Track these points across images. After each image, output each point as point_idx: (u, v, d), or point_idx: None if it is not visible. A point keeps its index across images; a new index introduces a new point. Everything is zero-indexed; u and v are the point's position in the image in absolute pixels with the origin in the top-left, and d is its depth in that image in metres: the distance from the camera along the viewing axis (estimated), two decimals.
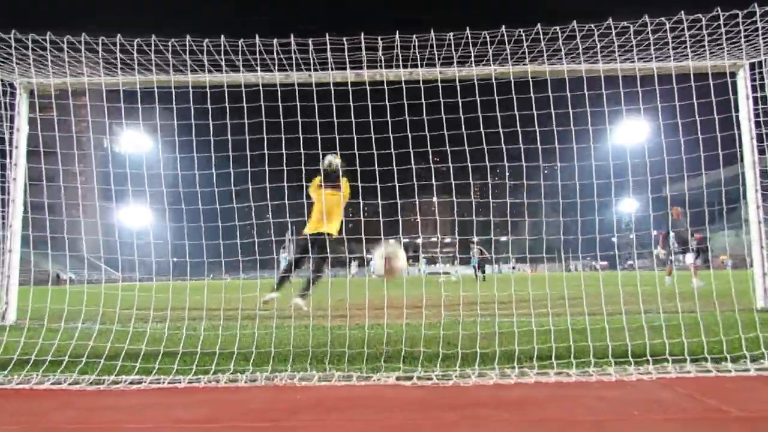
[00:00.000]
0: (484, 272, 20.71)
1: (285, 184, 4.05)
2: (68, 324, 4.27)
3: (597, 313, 4.32)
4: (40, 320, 4.63)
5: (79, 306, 4.15)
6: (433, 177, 3.90)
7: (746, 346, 2.95)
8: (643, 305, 3.60)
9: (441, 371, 2.65)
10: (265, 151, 3.96)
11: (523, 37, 3.81)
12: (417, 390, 2.41)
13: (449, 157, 3.89)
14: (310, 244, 5.65)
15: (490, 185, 3.84)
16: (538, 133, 3.83)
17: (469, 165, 4.03)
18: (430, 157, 3.95)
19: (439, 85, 4.04)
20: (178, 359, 3.04)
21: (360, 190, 4.06)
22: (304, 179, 4.18)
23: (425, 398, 2.30)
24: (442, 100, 3.92)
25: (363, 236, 4.48)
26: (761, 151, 5.04)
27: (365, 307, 5.12)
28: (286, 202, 4.09)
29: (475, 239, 21.01)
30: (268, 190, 3.90)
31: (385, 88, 4.12)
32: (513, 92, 4.01)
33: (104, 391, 2.51)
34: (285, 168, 3.93)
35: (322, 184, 5.79)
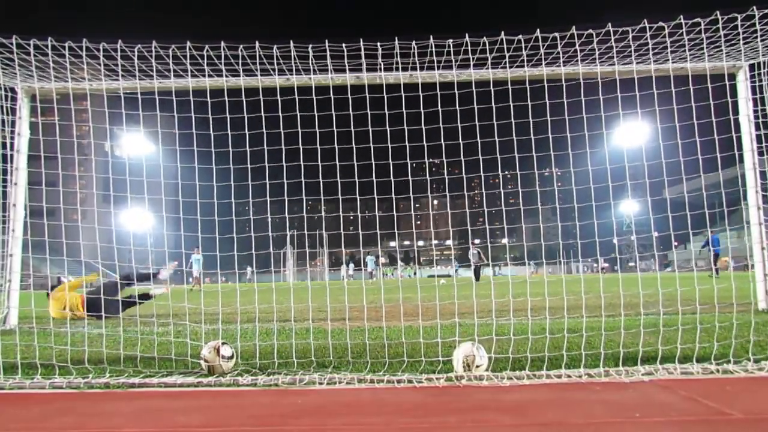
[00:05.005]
0: (479, 275, 20.68)
1: (286, 197, 4.07)
2: (69, 328, 4.27)
3: (597, 315, 4.31)
4: (41, 324, 4.63)
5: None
6: (447, 186, 3.89)
7: (748, 348, 2.95)
8: (643, 308, 3.59)
9: (442, 375, 2.64)
10: (263, 157, 3.97)
11: (522, 42, 3.82)
12: (418, 394, 2.41)
13: (444, 165, 3.90)
14: None
15: (501, 192, 3.84)
16: (550, 139, 3.85)
17: (464, 175, 4.04)
18: (426, 161, 3.96)
19: (438, 91, 4.05)
20: (179, 364, 3.04)
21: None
22: (303, 188, 4.18)
23: (426, 402, 2.29)
24: (440, 108, 3.92)
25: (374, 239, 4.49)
26: (761, 153, 5.04)
27: (363, 311, 5.11)
28: (286, 210, 4.11)
29: (477, 240, 21.04)
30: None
31: (384, 94, 4.13)
32: (528, 97, 4.00)
33: (104, 396, 2.51)
34: (286, 181, 3.96)
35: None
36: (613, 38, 3.78)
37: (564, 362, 2.78)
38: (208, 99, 4.11)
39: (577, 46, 3.84)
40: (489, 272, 21.27)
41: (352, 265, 35.93)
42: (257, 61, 3.98)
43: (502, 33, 3.76)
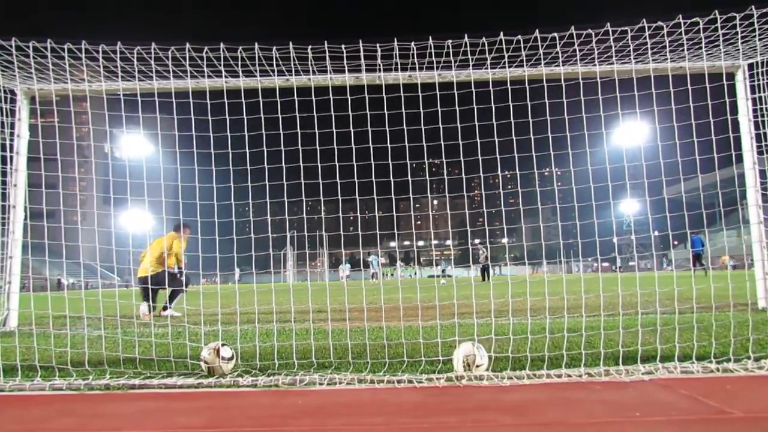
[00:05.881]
0: (487, 274, 20.73)
1: (285, 198, 4.07)
2: (69, 330, 4.28)
3: (597, 314, 4.31)
4: (41, 326, 4.63)
5: (80, 312, 4.15)
6: (447, 186, 3.89)
7: (748, 347, 2.95)
8: (642, 307, 3.60)
9: (442, 374, 2.64)
10: (265, 160, 3.97)
11: (521, 42, 3.83)
12: (418, 394, 2.41)
13: (444, 165, 3.90)
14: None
15: (500, 193, 3.86)
16: (550, 139, 3.85)
17: (463, 176, 4.03)
18: (426, 160, 3.96)
19: (437, 92, 4.05)
20: (179, 366, 3.04)
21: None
22: (303, 189, 4.18)
23: (426, 402, 2.29)
24: (439, 109, 3.93)
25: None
26: (761, 152, 5.04)
27: (364, 310, 5.11)
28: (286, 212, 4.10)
29: (477, 240, 21.06)
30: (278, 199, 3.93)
31: (383, 95, 4.13)
32: (527, 97, 3.99)
33: (104, 398, 2.51)
34: (285, 182, 3.96)
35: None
36: (611, 38, 3.78)
37: (564, 362, 2.78)
38: (208, 100, 4.11)
39: (576, 46, 3.85)
40: (490, 272, 21.32)
41: (348, 266, 35.75)
42: (257, 62, 3.98)
43: (501, 33, 3.77)
